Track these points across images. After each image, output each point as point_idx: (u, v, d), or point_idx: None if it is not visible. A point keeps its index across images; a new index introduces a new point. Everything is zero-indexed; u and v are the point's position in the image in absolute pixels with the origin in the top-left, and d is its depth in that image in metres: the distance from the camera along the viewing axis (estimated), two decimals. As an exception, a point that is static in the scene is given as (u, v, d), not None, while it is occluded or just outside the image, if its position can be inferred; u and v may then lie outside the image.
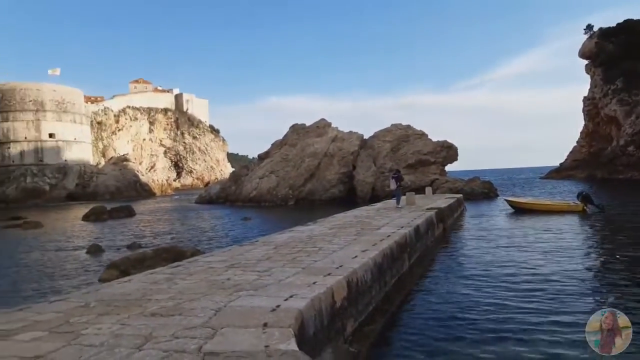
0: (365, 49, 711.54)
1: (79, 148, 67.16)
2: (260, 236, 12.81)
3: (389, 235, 9.78)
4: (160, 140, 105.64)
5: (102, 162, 76.92)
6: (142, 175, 75.07)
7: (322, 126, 41.44)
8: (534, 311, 6.98)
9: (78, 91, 70.10)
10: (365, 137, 40.69)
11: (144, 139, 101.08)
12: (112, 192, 63.13)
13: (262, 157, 43.85)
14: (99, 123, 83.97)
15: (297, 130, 42.51)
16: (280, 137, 43.48)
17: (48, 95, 63.58)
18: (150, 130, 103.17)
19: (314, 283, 5.48)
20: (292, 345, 3.44)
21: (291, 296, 4.88)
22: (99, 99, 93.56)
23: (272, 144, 43.72)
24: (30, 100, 62.07)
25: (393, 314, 7.17)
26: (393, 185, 19.25)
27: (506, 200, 24.70)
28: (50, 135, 63.28)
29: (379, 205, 21.48)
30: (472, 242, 14.05)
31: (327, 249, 8.38)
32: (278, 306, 4.49)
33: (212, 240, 17.74)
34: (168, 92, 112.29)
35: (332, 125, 41.83)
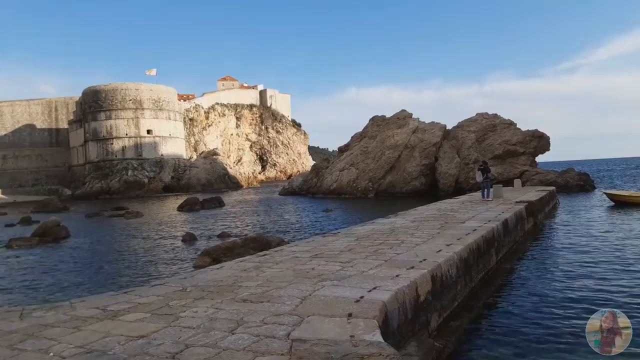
0: (446, 36, 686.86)
1: (173, 143, 71.89)
2: (342, 228, 12.94)
3: (475, 230, 9.44)
4: (246, 135, 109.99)
5: (194, 156, 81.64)
6: (230, 168, 78.71)
7: (403, 117, 40.70)
8: (636, 311, 6.39)
9: (172, 90, 74.92)
10: (448, 127, 39.38)
11: (232, 134, 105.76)
12: (203, 185, 66.92)
13: (342, 149, 44.10)
14: (191, 119, 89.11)
15: (376, 122, 42.17)
16: (360, 129, 43.42)
17: (146, 95, 68.69)
18: (237, 126, 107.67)
19: (397, 276, 5.45)
20: (378, 337, 3.46)
21: (374, 288, 4.90)
22: (190, 96, 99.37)
23: (352, 137, 43.77)
24: (130, 100, 67.45)
25: (480, 309, 6.93)
26: (479, 177, 18.53)
27: (605, 193, 22.77)
28: (148, 132, 68.35)
29: (463, 197, 20.76)
30: (566, 238, 13.14)
31: (409, 242, 8.27)
32: (362, 297, 4.53)
33: (296, 231, 18.21)
34: (253, 88, 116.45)
35: (413, 117, 40.94)
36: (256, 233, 16.56)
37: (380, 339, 3.43)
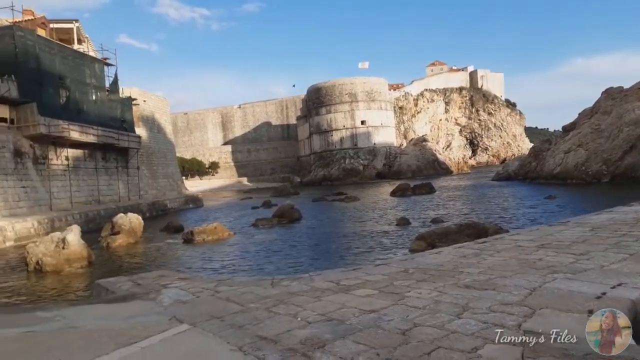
0: None
1: (384, 132, 74.64)
2: (570, 216, 11.58)
3: None
4: (456, 119, 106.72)
5: (404, 144, 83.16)
6: (440, 154, 77.75)
7: (650, 86, 33.74)
8: None
9: (383, 80, 77.63)
10: None
11: (440, 119, 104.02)
12: (413, 171, 67.82)
13: (566, 129, 39.02)
14: (400, 108, 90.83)
15: (612, 95, 35.91)
16: (588, 105, 37.69)
17: (359, 87, 72.85)
18: (446, 111, 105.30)
19: (649, 273, 4.67)
20: (629, 338, 3.06)
21: (619, 284, 4.30)
22: (399, 85, 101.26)
23: (580, 114, 38.30)
24: (346, 94, 72.45)
25: None
26: None
27: None
28: (362, 123, 72.40)
29: None
30: None
31: (665, 234, 6.94)
32: (604, 294, 4.04)
33: (514, 218, 17.04)
34: (462, 70, 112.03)
35: (665, 84, 33.54)
36: (469, 219, 16.06)
37: (632, 341, 3.03)
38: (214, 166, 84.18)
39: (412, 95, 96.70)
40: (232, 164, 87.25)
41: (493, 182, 42.23)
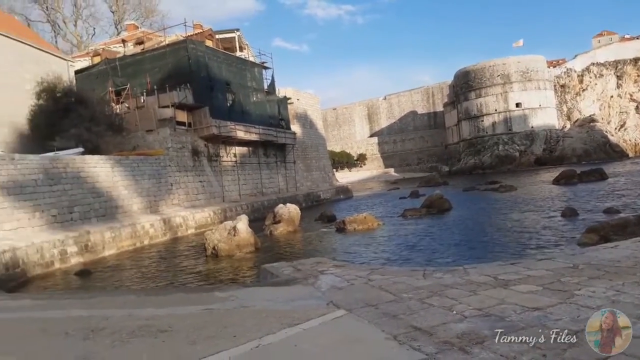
0: None
1: (543, 114, 67.93)
2: None
3: None
4: (630, 95, 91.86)
5: (567, 126, 74.77)
6: (612, 135, 68.22)
7: None
8: None
9: (540, 58, 70.65)
10: None
11: (611, 96, 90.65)
12: (578, 155, 60.69)
13: None
14: (562, 86, 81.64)
15: None
16: None
17: (513, 67, 67.33)
18: (618, 86, 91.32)
19: None
20: None
21: None
22: (560, 61, 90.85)
23: None
24: (498, 75, 67.57)
25: None
26: None
27: None
28: (517, 105, 66.87)
29: None
30: None
31: None
32: None
33: None
34: (637, 39, 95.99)
35: None
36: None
37: None
38: (362, 158, 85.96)
39: (575, 71, 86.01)
40: (379, 155, 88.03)
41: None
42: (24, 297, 8.07)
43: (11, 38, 22.13)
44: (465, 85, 70.69)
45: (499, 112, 67.30)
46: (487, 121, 68.23)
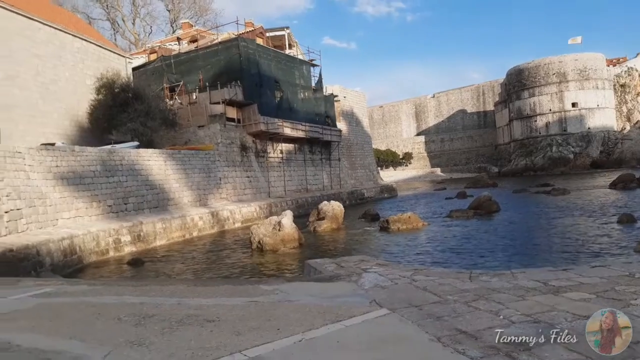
0: None
1: (601, 114, 64.63)
2: None
3: None
4: None
5: (627, 127, 70.80)
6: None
7: None
8: None
9: (599, 55, 67.16)
10: None
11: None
12: (638, 159, 57.42)
13: None
14: (622, 86, 77.30)
15: None
16: None
17: (570, 66, 64.38)
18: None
19: None
20: None
21: None
22: (620, 60, 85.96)
23: None
24: (554, 74, 64.79)
25: None
26: None
27: None
28: (573, 105, 63.95)
29: None
30: None
31: None
32: None
33: None
34: None
35: None
36: None
37: None
38: (408, 157, 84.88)
39: (637, 70, 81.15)
40: (425, 154, 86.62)
41: None
42: (81, 283, 8.54)
43: (75, 36, 23.41)
44: (518, 84, 68.28)
45: (554, 112, 64.61)
46: (540, 121, 65.67)
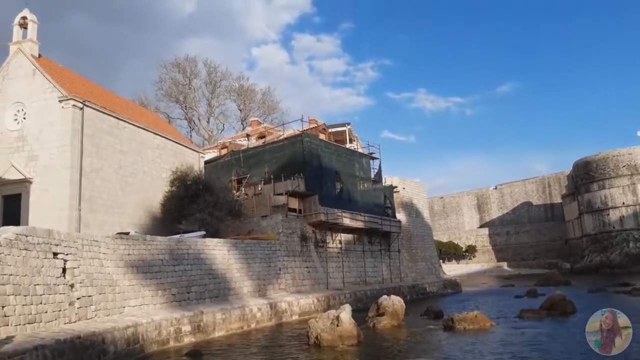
0: None
1: (684, 208, 60.12)
2: None
3: None
4: None
5: None
6: None
7: None
8: None
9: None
10: None
11: None
12: None
13: None
14: None
15: None
16: None
17: (642, 157, 61.74)
18: None
19: None
20: None
21: None
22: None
23: None
24: (624, 166, 62.08)
25: None
26: None
27: None
28: (649, 197, 60.22)
29: None
30: None
31: None
32: None
33: None
34: None
35: None
36: None
37: None
38: (471, 249, 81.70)
39: None
40: (490, 247, 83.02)
41: None
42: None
43: (156, 133, 25.85)
44: (585, 176, 65.76)
45: (627, 206, 60.95)
46: (613, 215, 61.94)
